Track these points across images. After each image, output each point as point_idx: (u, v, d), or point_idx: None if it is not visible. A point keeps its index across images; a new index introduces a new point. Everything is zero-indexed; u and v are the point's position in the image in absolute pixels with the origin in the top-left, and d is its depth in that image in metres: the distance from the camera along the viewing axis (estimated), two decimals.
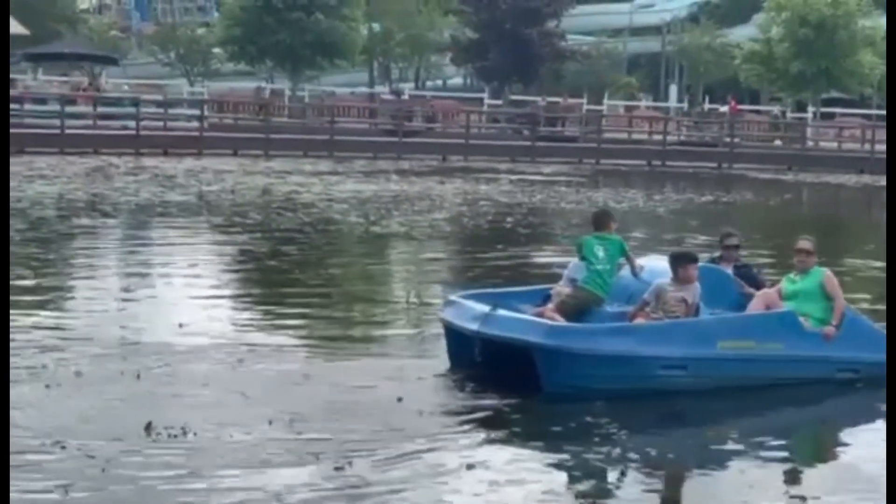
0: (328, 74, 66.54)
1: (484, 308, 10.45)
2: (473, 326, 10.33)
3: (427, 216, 25.25)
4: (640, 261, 11.32)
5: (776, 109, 62.26)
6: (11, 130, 40.42)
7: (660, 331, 10.31)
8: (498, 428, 9.20)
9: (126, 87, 54.51)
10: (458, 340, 10.63)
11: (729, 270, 11.57)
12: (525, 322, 10.31)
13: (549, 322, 10.30)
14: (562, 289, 10.97)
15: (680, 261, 10.68)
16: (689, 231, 23.81)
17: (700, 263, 10.93)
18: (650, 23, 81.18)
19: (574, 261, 11.16)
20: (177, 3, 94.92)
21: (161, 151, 41.17)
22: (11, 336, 11.29)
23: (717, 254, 12.06)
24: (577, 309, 10.65)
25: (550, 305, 10.75)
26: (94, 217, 23.07)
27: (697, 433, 9.65)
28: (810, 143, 53.45)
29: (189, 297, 14.40)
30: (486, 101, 62.53)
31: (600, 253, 10.83)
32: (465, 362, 10.47)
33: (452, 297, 11.16)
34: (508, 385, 9.93)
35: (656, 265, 11.06)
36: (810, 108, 59.94)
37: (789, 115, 61.18)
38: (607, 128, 53.67)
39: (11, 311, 12.53)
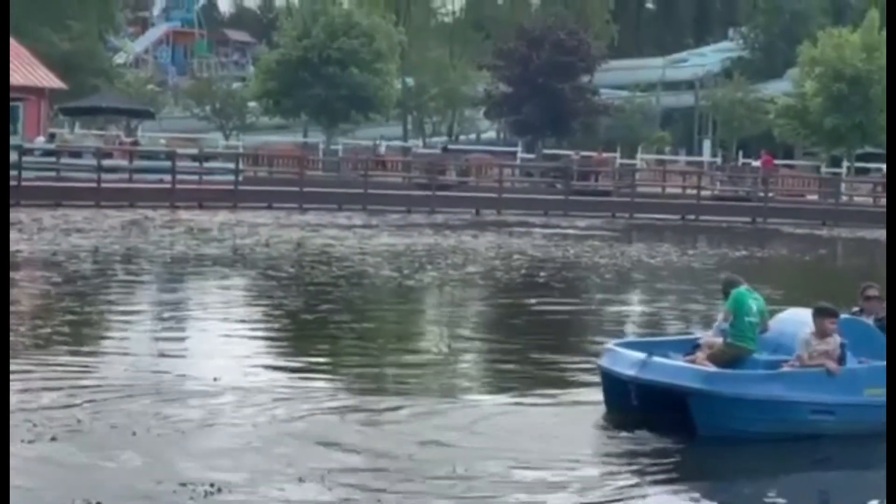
0: (363, 128, 66.91)
1: (640, 355, 10.99)
2: (630, 372, 10.87)
3: (460, 270, 25.24)
4: (783, 313, 11.89)
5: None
6: (48, 184, 40.95)
7: (809, 377, 10.76)
8: (654, 470, 9.60)
9: (163, 141, 54.91)
10: (614, 386, 11.16)
11: (870, 321, 11.78)
12: (680, 368, 10.87)
13: (704, 368, 10.81)
14: (712, 339, 11.47)
15: (818, 315, 11.11)
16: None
17: (843, 316, 11.35)
18: (683, 77, 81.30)
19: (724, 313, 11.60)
20: (213, 58, 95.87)
21: (196, 205, 41.39)
22: (46, 389, 11.34)
23: (855, 308, 12.24)
24: (730, 360, 11.11)
25: (701, 354, 11.20)
26: (129, 270, 23.18)
27: (845, 478, 9.87)
28: (845, 198, 53.25)
29: (223, 351, 14.42)
30: (520, 154, 62.66)
31: (753, 307, 11.31)
32: (619, 406, 11.01)
33: (609, 346, 11.77)
34: (663, 428, 10.43)
35: (800, 317, 11.50)
36: (845, 163, 59.74)
37: (824, 169, 60.98)
38: (641, 182, 53.65)
39: (45, 363, 12.60)
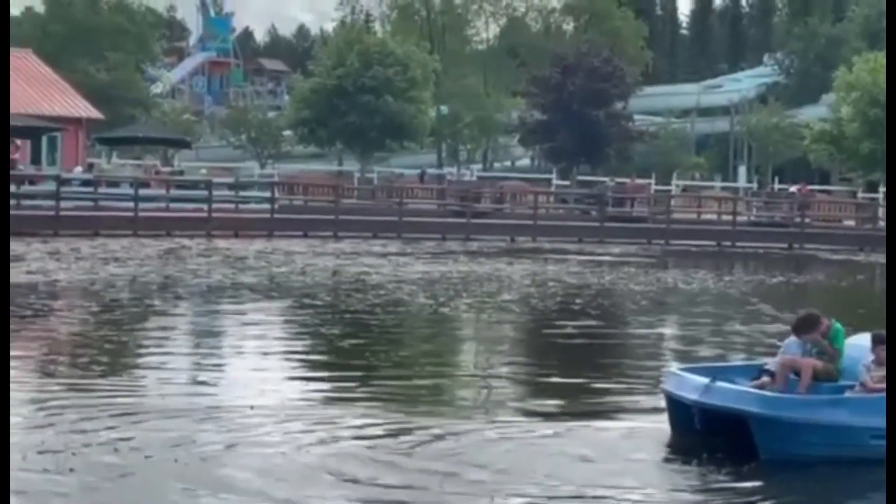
0: (397, 156, 67.13)
1: (703, 380, 11.13)
2: (693, 396, 11.02)
3: (496, 297, 25.22)
4: (849, 339, 11.98)
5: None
6: (86, 213, 41.27)
7: (870, 403, 10.87)
8: (715, 492, 9.75)
9: (203, 171, 55.20)
10: (678, 409, 11.31)
11: None
12: (743, 393, 11.01)
13: (765, 393, 11.00)
14: (791, 358, 11.63)
15: (873, 342, 11.32)
16: (760, 311, 23.58)
17: None
18: (718, 103, 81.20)
19: (791, 338, 11.78)
20: (248, 87, 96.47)
21: (232, 233, 41.62)
22: (83, 417, 11.40)
23: None
24: (824, 378, 11.41)
25: (808, 361, 11.41)
26: (166, 299, 23.30)
27: None
28: (882, 224, 52.93)
29: (260, 380, 14.43)
30: (554, 181, 62.71)
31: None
32: (684, 430, 11.14)
33: (673, 370, 12.00)
34: (725, 452, 10.59)
35: (865, 343, 11.64)
36: (881, 189, 59.43)
37: (860, 195, 60.68)
38: (676, 208, 53.58)
39: (82, 393, 12.67)
